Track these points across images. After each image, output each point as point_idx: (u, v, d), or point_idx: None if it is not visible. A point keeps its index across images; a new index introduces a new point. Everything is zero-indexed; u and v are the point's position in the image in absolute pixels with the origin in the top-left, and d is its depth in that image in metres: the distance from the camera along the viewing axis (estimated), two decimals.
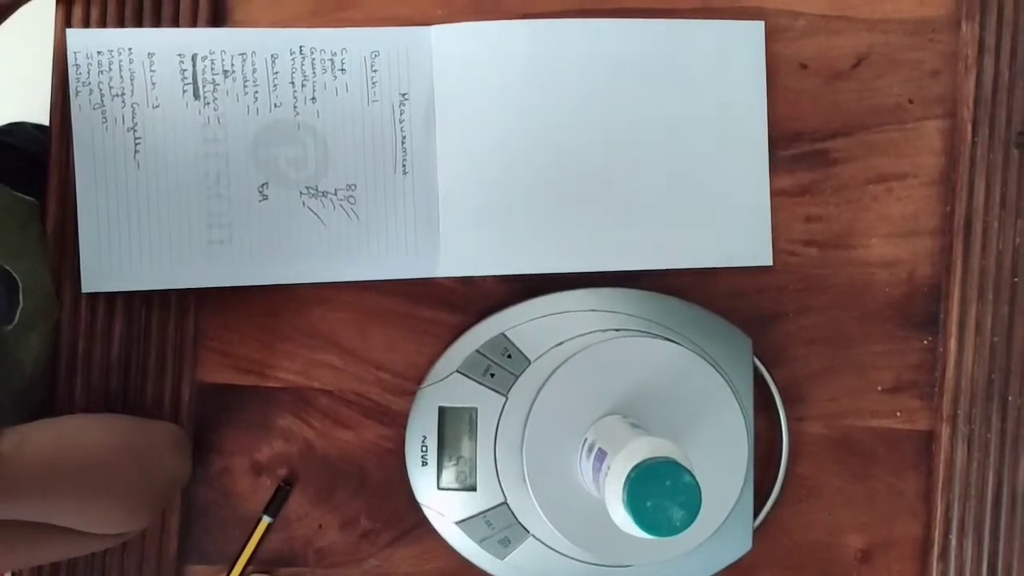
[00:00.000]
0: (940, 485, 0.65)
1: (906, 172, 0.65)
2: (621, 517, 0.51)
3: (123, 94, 0.62)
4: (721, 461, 0.59)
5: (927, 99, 0.65)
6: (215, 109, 0.63)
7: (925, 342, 0.65)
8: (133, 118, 0.63)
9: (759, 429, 0.64)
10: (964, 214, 0.65)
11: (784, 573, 0.65)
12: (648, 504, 0.49)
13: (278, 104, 0.63)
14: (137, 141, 0.63)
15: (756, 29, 0.65)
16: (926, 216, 0.65)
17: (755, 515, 0.64)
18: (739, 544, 0.63)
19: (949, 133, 0.65)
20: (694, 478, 0.49)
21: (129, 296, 0.64)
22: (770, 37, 0.65)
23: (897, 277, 0.65)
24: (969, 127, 0.65)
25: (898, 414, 0.65)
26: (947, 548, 0.65)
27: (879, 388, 0.65)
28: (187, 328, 0.64)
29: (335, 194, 0.64)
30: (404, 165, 0.64)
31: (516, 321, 0.62)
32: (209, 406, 0.64)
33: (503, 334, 0.62)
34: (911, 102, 0.65)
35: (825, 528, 0.66)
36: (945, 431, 0.65)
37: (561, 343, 0.61)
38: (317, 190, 0.64)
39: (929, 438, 0.65)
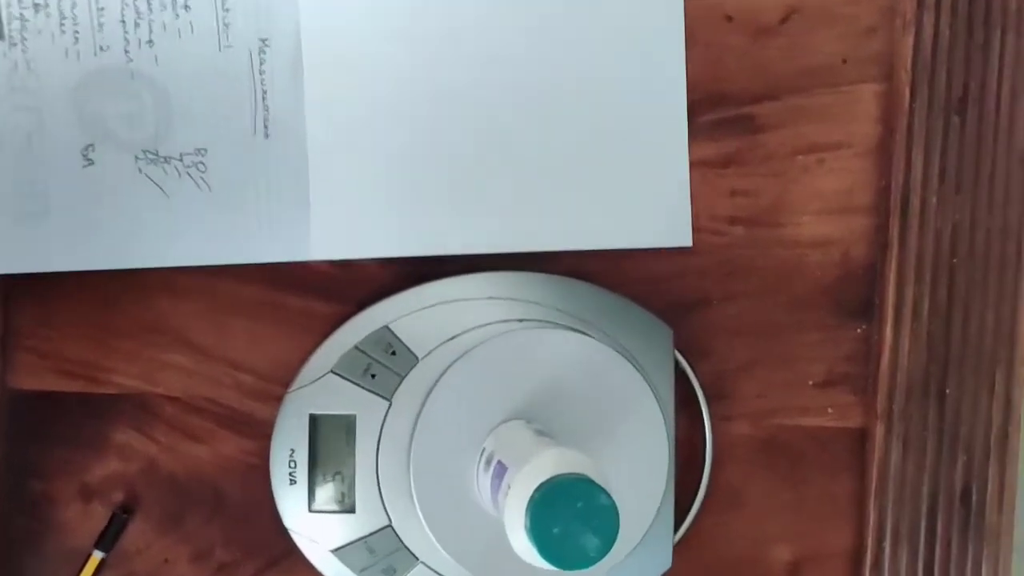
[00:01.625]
0: (874, 488, 0.60)
1: (840, 141, 0.59)
2: (523, 546, 0.43)
3: None
4: (638, 471, 0.53)
5: (862, 59, 0.59)
6: (23, 52, 0.52)
7: (859, 331, 0.60)
8: None
9: (679, 431, 0.58)
10: (901, 189, 0.59)
11: None
12: (555, 531, 0.41)
13: (105, 47, 0.53)
14: None
15: None
16: (861, 191, 0.59)
17: (675, 529, 0.57)
18: (657, 563, 0.57)
19: (886, 98, 0.59)
20: (611, 499, 0.41)
21: None
22: None
23: (830, 259, 0.59)
24: (907, 92, 0.59)
25: (830, 411, 0.60)
26: (880, 558, 0.60)
27: (810, 382, 0.60)
28: None
29: (180, 160, 0.54)
30: (265, 126, 0.54)
31: (401, 312, 0.55)
32: (24, 419, 0.55)
33: (386, 327, 0.54)
34: (845, 62, 0.59)
35: (751, 540, 0.60)
36: (880, 429, 0.60)
37: (454, 337, 0.54)
38: (157, 155, 0.53)
39: (862, 436, 0.60)
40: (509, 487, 0.43)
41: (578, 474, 0.42)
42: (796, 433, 0.60)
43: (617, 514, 0.41)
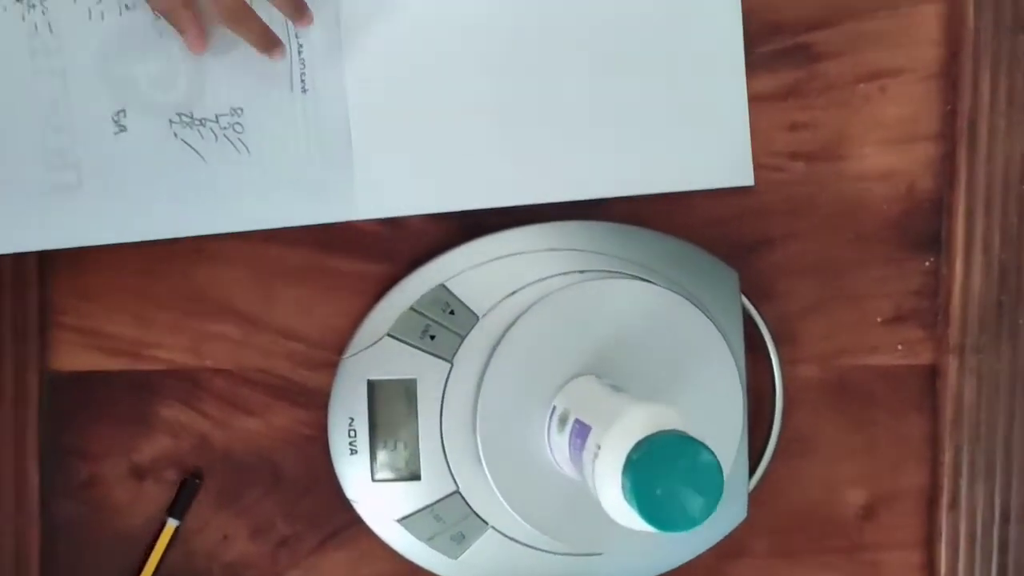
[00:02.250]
0: (948, 427, 0.58)
1: (901, 67, 0.57)
2: (618, 507, 0.41)
3: None
4: (713, 421, 0.51)
5: None
6: (43, 13, 0.49)
7: (927, 264, 0.58)
8: None
9: (749, 376, 0.56)
10: (968, 114, 0.57)
11: (780, 540, 0.58)
12: (658, 492, 0.39)
13: (131, 5, 0.49)
14: None
15: None
16: (925, 118, 0.57)
17: (748, 478, 0.55)
18: (733, 514, 0.55)
19: (948, 19, 0.57)
20: (713, 456, 0.40)
21: None
22: None
23: (895, 191, 0.57)
24: (971, 11, 0.56)
25: (899, 348, 0.58)
26: (957, 496, 0.58)
27: (878, 319, 0.58)
28: (28, 303, 0.51)
29: (216, 121, 0.51)
30: (303, 80, 0.51)
31: (457, 269, 0.52)
32: (67, 400, 0.53)
33: (442, 285, 0.52)
34: None
35: (824, 485, 0.58)
36: (952, 364, 0.58)
37: (514, 292, 0.52)
38: (192, 117, 0.51)
39: (933, 373, 0.58)
40: (599, 447, 0.41)
41: (676, 431, 0.40)
42: (865, 373, 0.58)
43: (721, 472, 0.39)
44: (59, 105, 0.49)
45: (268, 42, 0.50)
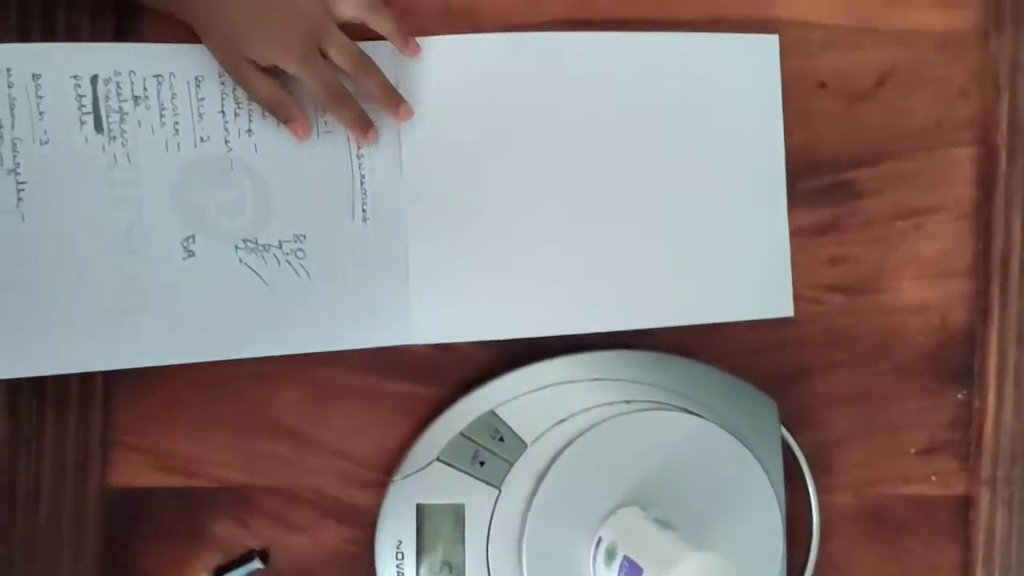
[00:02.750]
0: (980, 557, 0.59)
1: (937, 206, 0.58)
2: None
3: (0, 127, 0.49)
4: (753, 552, 0.52)
5: (956, 122, 0.58)
6: (123, 145, 0.51)
7: (960, 396, 0.59)
8: (14, 157, 0.50)
9: (787, 505, 0.56)
10: (1001, 252, 0.58)
11: None
12: None
13: (205, 138, 0.51)
14: (20, 187, 0.50)
15: (770, 44, 0.56)
16: (959, 255, 0.58)
17: None
18: None
19: (982, 161, 0.58)
20: None
21: (13, 385, 0.51)
22: (786, 52, 0.57)
23: (929, 324, 0.58)
24: (1003, 154, 0.58)
25: (933, 478, 0.59)
26: None
27: (912, 450, 0.59)
28: (93, 422, 0.52)
29: (279, 247, 0.52)
30: (364, 210, 0.53)
31: (507, 396, 0.53)
32: (124, 516, 0.53)
33: (492, 412, 0.53)
34: (939, 126, 0.58)
35: None
36: (984, 495, 0.58)
37: (562, 421, 0.52)
38: (257, 243, 0.52)
39: (966, 504, 0.59)
40: None
41: None
42: (899, 502, 0.59)
43: None
44: (133, 231, 0.51)
45: (364, 126, 0.52)
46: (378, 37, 0.53)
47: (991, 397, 0.59)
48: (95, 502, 0.52)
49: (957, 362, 0.59)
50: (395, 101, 0.52)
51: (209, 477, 0.53)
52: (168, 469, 0.53)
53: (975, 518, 0.59)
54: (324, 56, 0.51)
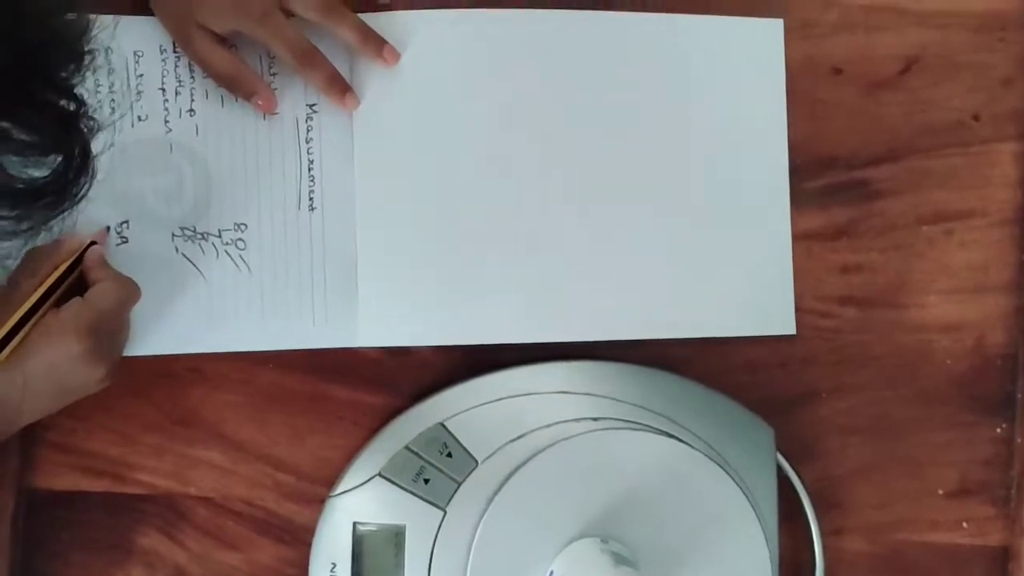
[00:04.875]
0: None
1: (972, 209, 0.52)
2: None
3: None
4: None
5: (998, 115, 0.52)
6: None
7: (999, 430, 0.52)
8: None
9: (784, 547, 0.50)
10: None
11: None
12: None
13: (143, 117, 0.48)
14: None
15: (773, 28, 0.51)
16: (998, 266, 0.52)
17: None
18: None
19: None
20: None
21: None
22: (793, 34, 0.51)
23: (961, 346, 0.52)
24: None
25: (965, 525, 0.52)
26: None
27: (940, 491, 0.52)
28: None
29: (219, 237, 0.49)
30: (311, 199, 0.49)
31: (459, 407, 0.49)
32: (44, 521, 0.50)
33: (441, 424, 0.48)
34: (976, 119, 0.52)
35: None
36: None
37: (519, 437, 0.47)
38: (195, 231, 0.49)
39: (1005, 556, 0.52)
40: None
41: None
42: (924, 551, 0.52)
43: None
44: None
45: (341, 87, 0.48)
46: None
47: None
48: (13, 504, 0.49)
49: (994, 391, 0.52)
50: (378, 46, 0.48)
51: (137, 483, 0.50)
52: (93, 472, 0.50)
53: (1015, 572, 0.51)
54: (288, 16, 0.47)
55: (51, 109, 0.34)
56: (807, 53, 0.51)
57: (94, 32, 0.36)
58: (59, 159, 0.35)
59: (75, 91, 0.35)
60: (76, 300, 0.44)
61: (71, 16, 0.35)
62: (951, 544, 0.51)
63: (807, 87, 0.51)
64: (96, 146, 0.37)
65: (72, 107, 0.35)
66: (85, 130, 0.36)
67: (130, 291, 0.46)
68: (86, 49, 0.35)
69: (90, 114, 0.36)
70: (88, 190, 0.38)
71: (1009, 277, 0.51)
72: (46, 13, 0.34)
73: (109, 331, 0.45)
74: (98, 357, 0.44)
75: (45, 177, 0.35)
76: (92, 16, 0.35)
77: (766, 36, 0.51)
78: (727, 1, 0.51)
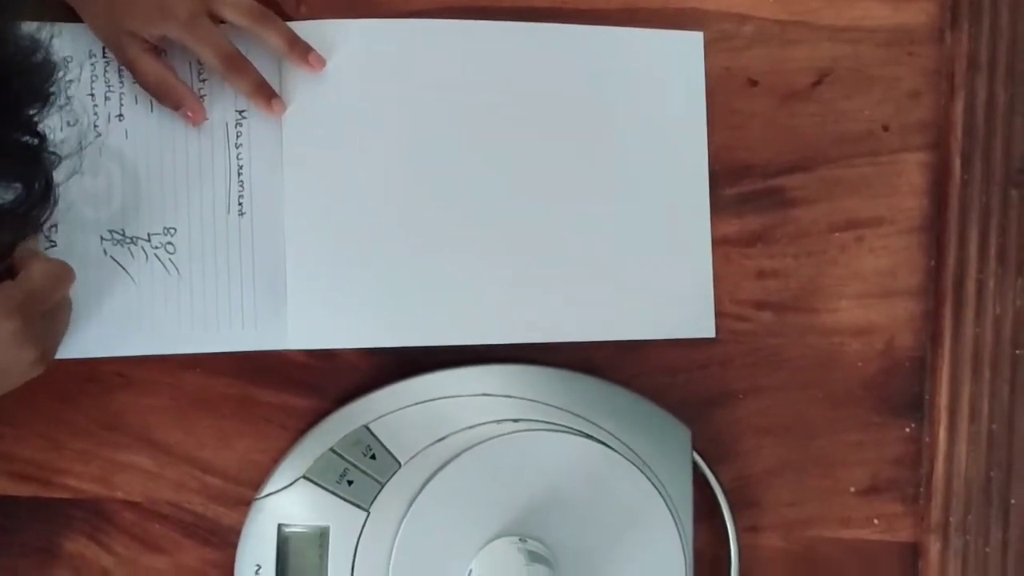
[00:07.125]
0: None
1: (881, 217, 0.53)
2: None
3: None
4: None
5: (906, 126, 0.53)
6: None
7: (908, 430, 0.53)
8: None
9: (700, 544, 0.51)
10: (954, 270, 0.53)
11: None
12: None
13: (72, 122, 0.49)
14: None
15: (693, 41, 0.52)
16: (907, 272, 0.53)
17: None
18: None
19: (934, 168, 0.53)
20: None
21: None
22: (711, 47, 0.52)
23: (872, 349, 0.53)
24: (958, 161, 0.53)
25: (875, 522, 0.53)
26: None
27: (851, 489, 0.53)
28: None
29: (148, 240, 0.49)
30: (240, 204, 0.50)
31: (383, 410, 0.50)
32: None
33: (365, 427, 0.49)
34: (886, 129, 0.53)
35: None
36: (934, 544, 0.53)
37: (441, 439, 0.49)
38: (124, 235, 0.49)
39: (914, 552, 0.53)
40: None
41: None
42: (836, 547, 0.53)
43: None
44: None
45: (267, 93, 0.49)
46: None
47: (942, 433, 0.53)
48: None
49: (903, 392, 0.53)
50: (304, 52, 0.49)
51: (62, 487, 0.50)
52: (19, 476, 0.50)
53: (924, 569, 0.53)
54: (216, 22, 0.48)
55: (15, 146, 0.35)
56: (724, 65, 0.53)
57: (60, 73, 0.36)
58: (21, 188, 0.36)
59: (38, 127, 0.36)
60: (6, 282, 0.44)
61: (39, 58, 0.35)
62: (862, 540, 0.53)
63: (724, 98, 0.53)
64: (59, 175, 0.37)
65: (35, 142, 0.36)
66: (47, 163, 0.36)
67: (61, 271, 0.45)
68: (52, 91, 0.36)
69: (51, 149, 0.37)
70: (51, 216, 0.38)
71: (917, 282, 0.53)
72: (14, 56, 0.35)
73: (41, 312, 0.45)
74: (27, 338, 0.43)
75: (7, 204, 0.35)
76: (60, 58, 0.36)
77: (686, 48, 0.53)
78: (648, 14, 0.53)
